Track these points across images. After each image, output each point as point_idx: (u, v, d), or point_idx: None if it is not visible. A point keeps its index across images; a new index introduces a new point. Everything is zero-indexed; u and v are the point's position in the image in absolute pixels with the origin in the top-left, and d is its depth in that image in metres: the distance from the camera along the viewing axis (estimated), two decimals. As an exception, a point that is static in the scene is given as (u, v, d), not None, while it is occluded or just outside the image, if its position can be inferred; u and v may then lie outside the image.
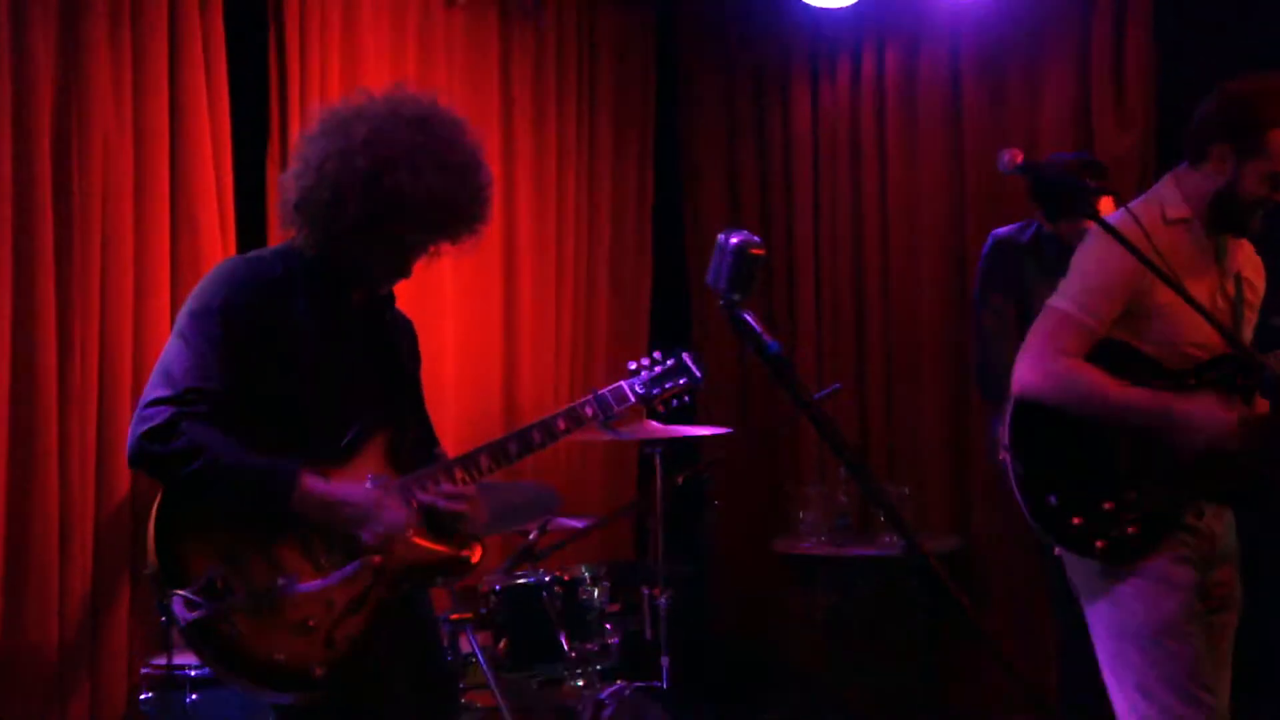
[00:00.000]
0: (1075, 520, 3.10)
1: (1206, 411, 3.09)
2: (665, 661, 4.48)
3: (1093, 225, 3.18)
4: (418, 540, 2.87)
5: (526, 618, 4.13)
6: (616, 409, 3.13)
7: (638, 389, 3.17)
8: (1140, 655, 3.13)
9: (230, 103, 4.61)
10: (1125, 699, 3.14)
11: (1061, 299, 3.19)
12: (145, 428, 2.65)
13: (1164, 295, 3.11)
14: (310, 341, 2.81)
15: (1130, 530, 3.09)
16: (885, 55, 5.92)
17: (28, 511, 4.02)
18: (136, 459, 2.69)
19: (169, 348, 2.76)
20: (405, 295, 5.14)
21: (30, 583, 4.01)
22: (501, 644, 4.11)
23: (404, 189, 2.74)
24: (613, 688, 4.12)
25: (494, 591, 4.15)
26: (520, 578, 4.20)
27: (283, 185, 2.85)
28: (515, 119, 5.68)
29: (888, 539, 5.26)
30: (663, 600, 4.48)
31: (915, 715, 5.23)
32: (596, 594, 4.19)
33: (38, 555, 4.02)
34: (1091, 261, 3.19)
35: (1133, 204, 3.21)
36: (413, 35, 5.26)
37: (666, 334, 6.26)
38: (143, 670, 3.67)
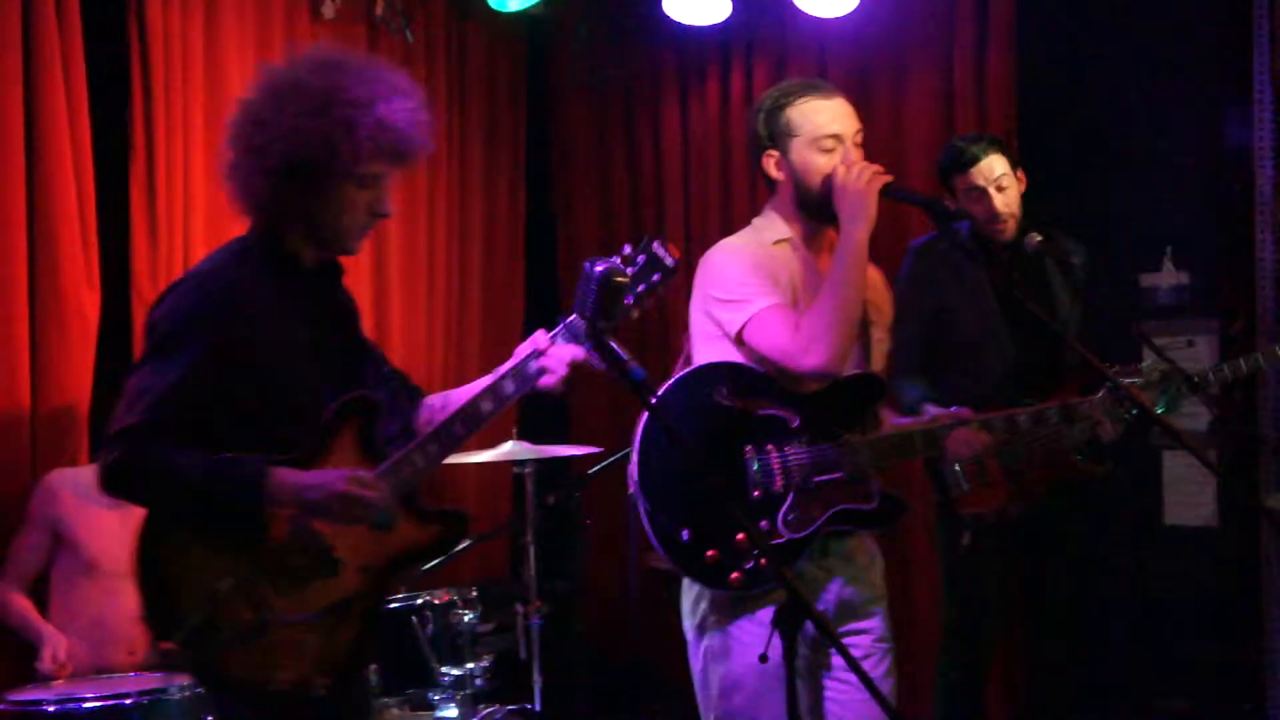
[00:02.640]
0: (710, 553, 3.05)
1: None
2: (539, 681, 4.47)
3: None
4: (401, 527, 2.78)
5: (397, 642, 4.09)
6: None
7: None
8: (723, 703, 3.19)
9: (91, 117, 4.51)
10: None
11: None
12: (112, 457, 2.63)
13: None
14: (283, 340, 2.76)
15: (763, 561, 3.05)
16: (754, 72, 5.96)
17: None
18: (107, 486, 2.66)
19: (136, 373, 2.70)
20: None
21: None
22: (372, 669, 4.07)
23: (385, 121, 2.72)
24: (486, 711, 4.10)
25: (364, 617, 4.10)
26: (391, 602, 4.16)
27: (239, 171, 2.78)
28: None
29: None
30: (535, 620, 4.47)
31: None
32: (468, 616, 4.17)
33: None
34: (727, 267, 3.28)
35: (730, 239, 3.39)
36: (278, 49, 5.18)
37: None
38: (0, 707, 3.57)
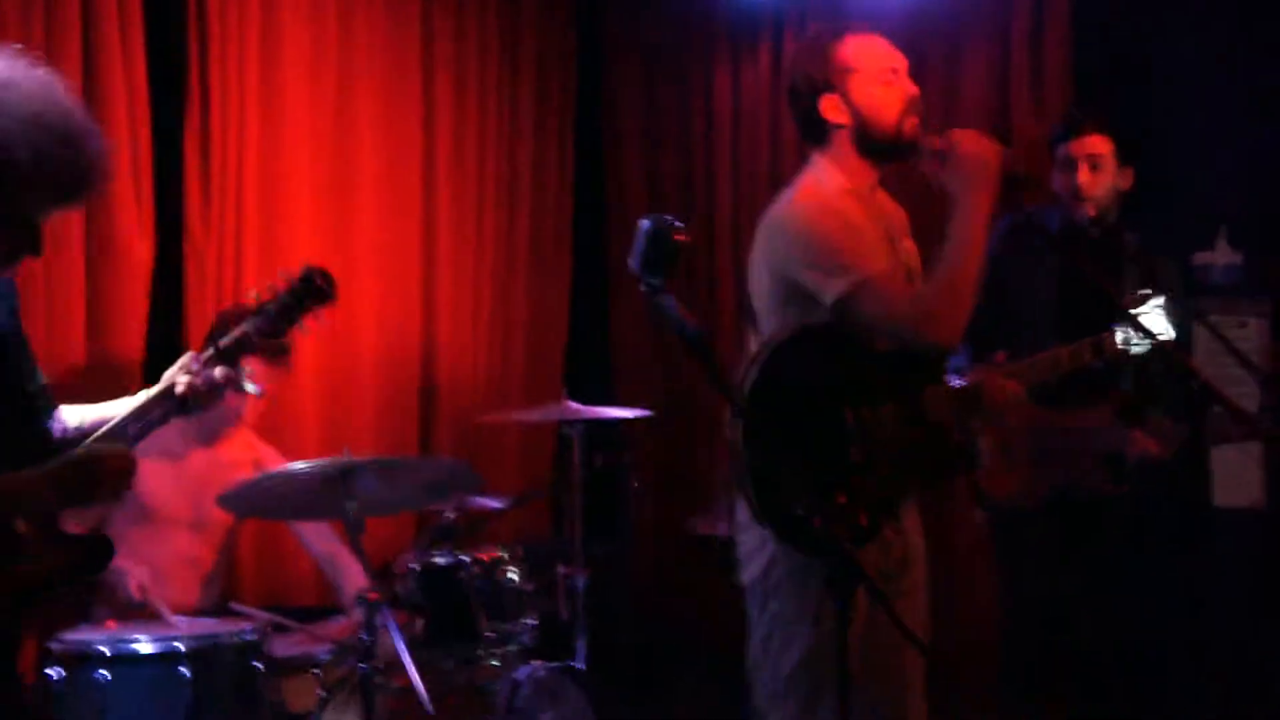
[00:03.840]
0: (816, 522, 2.81)
1: None
2: (581, 642, 4.49)
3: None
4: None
5: (444, 597, 4.11)
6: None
7: (263, 328, 2.82)
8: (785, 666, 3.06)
9: (147, 65, 4.54)
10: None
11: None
12: None
13: None
14: None
15: (863, 521, 2.99)
16: (807, 37, 5.92)
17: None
18: None
19: None
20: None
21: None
22: (418, 624, 4.10)
23: (45, 160, 2.47)
24: (529, 668, 4.12)
25: (411, 571, 4.13)
26: (437, 557, 4.19)
27: None
28: (437, 86, 5.64)
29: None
30: (580, 580, 4.49)
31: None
32: (514, 574, 4.18)
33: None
34: (814, 230, 3.10)
35: (790, 191, 3.20)
36: (332, -1, 5.20)
37: (585, 309, 6.26)
38: (52, 645, 3.60)
